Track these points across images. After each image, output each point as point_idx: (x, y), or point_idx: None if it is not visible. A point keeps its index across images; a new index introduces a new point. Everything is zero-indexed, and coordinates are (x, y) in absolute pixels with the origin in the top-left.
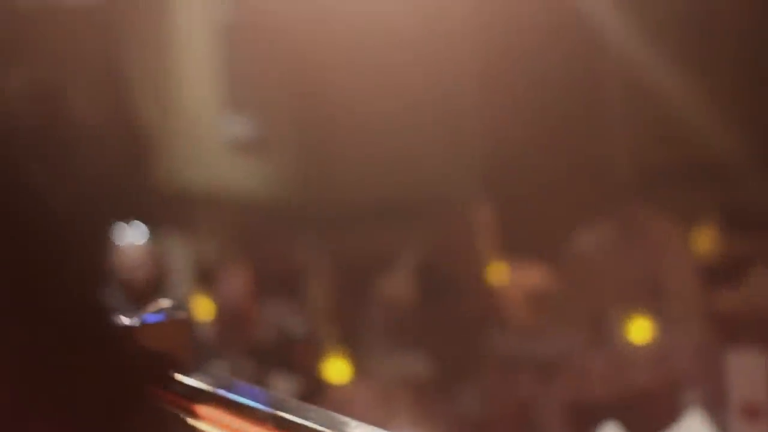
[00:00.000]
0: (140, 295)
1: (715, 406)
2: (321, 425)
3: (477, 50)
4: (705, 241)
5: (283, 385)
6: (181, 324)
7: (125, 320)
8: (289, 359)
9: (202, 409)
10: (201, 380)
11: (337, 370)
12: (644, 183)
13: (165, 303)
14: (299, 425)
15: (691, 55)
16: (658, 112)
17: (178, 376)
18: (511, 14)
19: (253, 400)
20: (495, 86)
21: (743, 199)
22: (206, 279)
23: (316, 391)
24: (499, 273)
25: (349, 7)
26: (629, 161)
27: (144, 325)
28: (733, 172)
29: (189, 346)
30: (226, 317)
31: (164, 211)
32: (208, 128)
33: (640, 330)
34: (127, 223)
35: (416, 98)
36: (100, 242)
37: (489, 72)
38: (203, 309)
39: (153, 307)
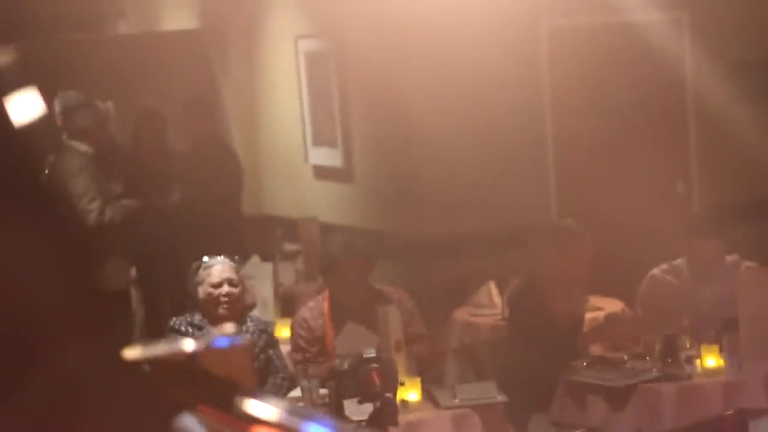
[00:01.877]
0: (222, 318)
1: None
2: None
3: (553, 84)
4: None
5: (357, 412)
6: (244, 350)
7: (193, 344)
8: (365, 386)
9: None
10: (267, 405)
11: (411, 397)
12: (720, 217)
13: (230, 329)
14: None
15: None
16: (731, 146)
17: (241, 401)
18: (581, 46)
19: (317, 426)
20: (570, 120)
21: None
22: (287, 304)
23: (389, 419)
24: (582, 302)
25: (433, 39)
26: (705, 196)
27: (209, 349)
28: None
29: (252, 371)
30: (304, 342)
31: (250, 236)
32: (295, 156)
33: (712, 363)
34: (215, 246)
35: (496, 130)
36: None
37: (564, 105)
38: (284, 333)
39: (222, 332)
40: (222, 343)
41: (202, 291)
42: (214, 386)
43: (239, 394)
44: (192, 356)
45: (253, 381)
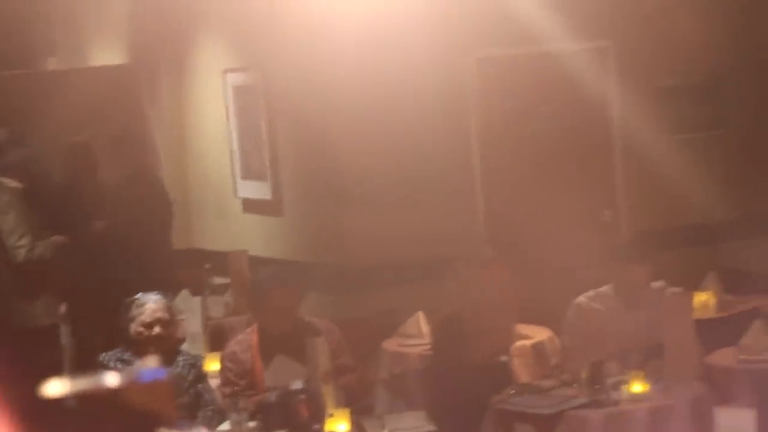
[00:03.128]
0: (151, 352)
1: None
2: None
3: (480, 113)
4: (703, 301)
5: None
6: (167, 384)
7: (116, 378)
8: (293, 418)
9: None
10: None
11: (341, 428)
12: (646, 244)
13: (154, 363)
14: None
15: (691, 117)
16: (657, 174)
17: None
18: (511, 76)
19: None
20: (497, 149)
21: (739, 261)
22: (217, 337)
23: None
24: (507, 330)
25: (360, 70)
26: (631, 223)
27: (132, 384)
28: (730, 234)
29: (174, 405)
30: (233, 375)
31: (180, 269)
32: (224, 189)
33: (638, 388)
34: (145, 280)
35: (424, 161)
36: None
37: (491, 134)
38: (213, 367)
39: (145, 366)
40: (145, 377)
41: (133, 328)
42: (136, 420)
43: (162, 427)
44: (115, 391)
45: (175, 415)
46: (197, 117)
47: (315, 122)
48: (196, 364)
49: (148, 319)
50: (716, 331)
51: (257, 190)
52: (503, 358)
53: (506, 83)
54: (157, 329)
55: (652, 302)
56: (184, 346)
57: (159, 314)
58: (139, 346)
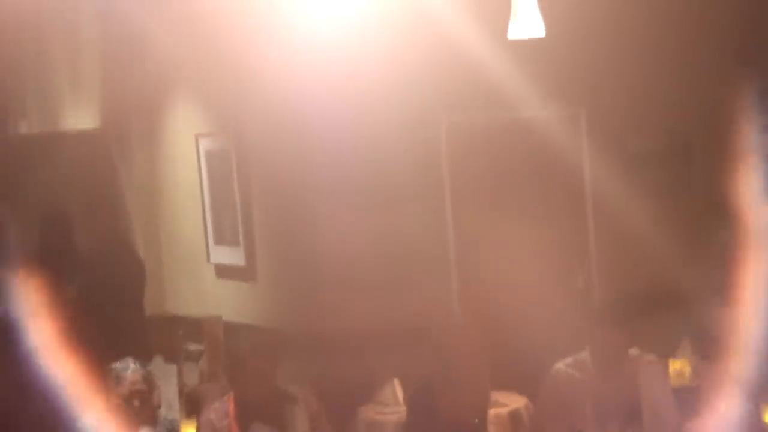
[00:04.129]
0: (130, 422)
1: None
2: None
3: (452, 177)
4: (677, 369)
5: None
6: None
7: None
8: None
9: None
10: None
11: None
12: (621, 309)
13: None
14: None
15: (662, 183)
16: (629, 238)
17: None
18: (480, 142)
19: None
20: (469, 214)
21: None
22: (192, 404)
23: None
24: (484, 399)
25: (332, 134)
26: (605, 289)
27: None
28: (704, 300)
29: None
30: None
31: (153, 336)
32: (197, 255)
33: None
34: (118, 346)
35: (397, 226)
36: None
37: (464, 198)
38: None
39: None
40: None
41: (111, 400)
42: None
43: None
44: None
45: None
46: (169, 181)
47: (288, 187)
48: (173, 430)
49: (127, 392)
50: (693, 399)
51: (230, 256)
52: (476, 420)
53: (478, 148)
54: (136, 402)
55: (628, 369)
56: (160, 412)
57: (138, 386)
58: (118, 417)
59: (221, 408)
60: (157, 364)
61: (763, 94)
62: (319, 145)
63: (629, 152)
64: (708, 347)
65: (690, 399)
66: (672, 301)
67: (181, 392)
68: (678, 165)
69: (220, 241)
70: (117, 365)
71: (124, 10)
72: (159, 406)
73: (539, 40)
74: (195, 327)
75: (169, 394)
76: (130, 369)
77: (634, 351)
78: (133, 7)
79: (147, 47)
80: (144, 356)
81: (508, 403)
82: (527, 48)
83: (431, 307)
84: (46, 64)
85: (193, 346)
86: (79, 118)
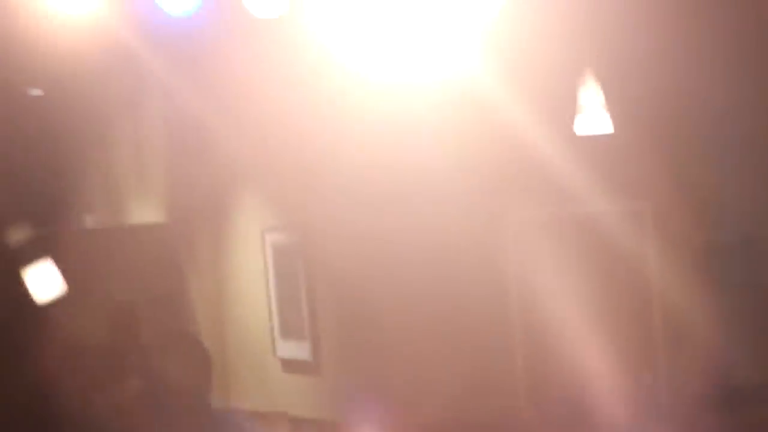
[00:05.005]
0: None
1: None
2: None
3: (517, 271)
4: None
5: None
6: None
7: None
8: None
9: None
10: None
11: None
12: (685, 408)
13: None
14: None
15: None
16: (699, 336)
17: None
18: (546, 237)
19: None
20: (535, 307)
21: None
22: None
23: None
24: None
25: (400, 230)
26: (670, 387)
27: None
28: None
29: None
30: None
31: (218, 430)
32: (263, 349)
33: None
34: None
35: (464, 320)
36: None
37: (529, 292)
38: None
39: None
40: None
41: None
42: None
43: None
44: None
45: None
46: (236, 276)
47: (354, 282)
48: None
49: None
50: None
51: (297, 350)
52: None
53: (545, 243)
54: None
55: None
56: None
57: None
58: None
59: None
60: None
61: None
62: (384, 240)
63: (695, 247)
64: None
65: None
66: (741, 398)
67: None
68: (746, 260)
69: (286, 335)
70: None
71: (190, 106)
72: None
73: (606, 135)
74: (260, 422)
75: None
76: None
77: None
78: (200, 103)
79: (213, 142)
80: None
81: None
82: (594, 143)
83: (501, 402)
84: (113, 158)
85: None
86: (146, 212)
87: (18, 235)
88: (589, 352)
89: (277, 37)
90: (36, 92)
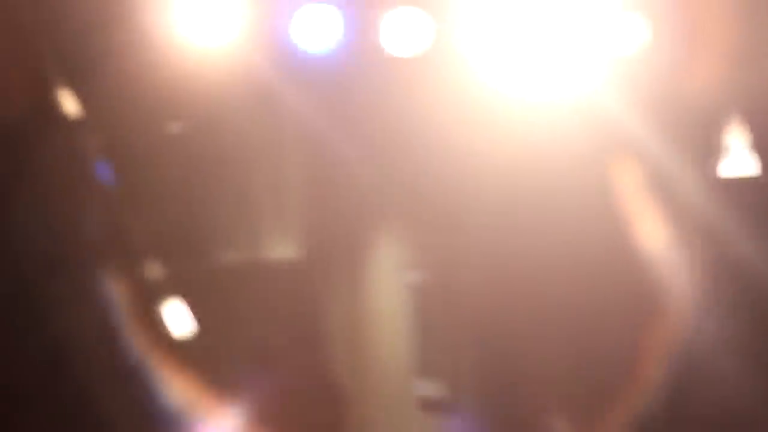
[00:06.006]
0: None
1: None
2: None
3: None
4: None
5: None
6: None
7: None
8: None
9: None
10: None
11: None
12: None
13: None
14: None
15: None
16: None
17: None
18: None
19: None
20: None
21: None
22: None
23: None
24: None
25: (539, 276)
26: None
27: None
28: None
29: None
30: None
31: None
32: (398, 388)
33: None
34: None
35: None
36: None
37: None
38: None
39: None
40: None
41: None
42: None
43: None
44: None
45: None
46: (374, 315)
47: (495, 324)
48: None
49: None
50: None
51: (434, 388)
52: None
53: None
54: None
55: None
56: None
57: None
58: None
59: None
60: None
61: None
62: (527, 278)
63: None
64: None
65: None
66: None
67: None
68: None
69: (424, 373)
70: None
71: (328, 140)
72: None
73: (751, 177)
74: None
75: None
76: None
77: None
78: (338, 136)
79: (351, 180)
80: None
81: None
82: (739, 186)
83: None
84: (249, 192)
85: None
86: (283, 247)
87: (154, 271)
88: None
89: (417, 75)
90: (176, 128)
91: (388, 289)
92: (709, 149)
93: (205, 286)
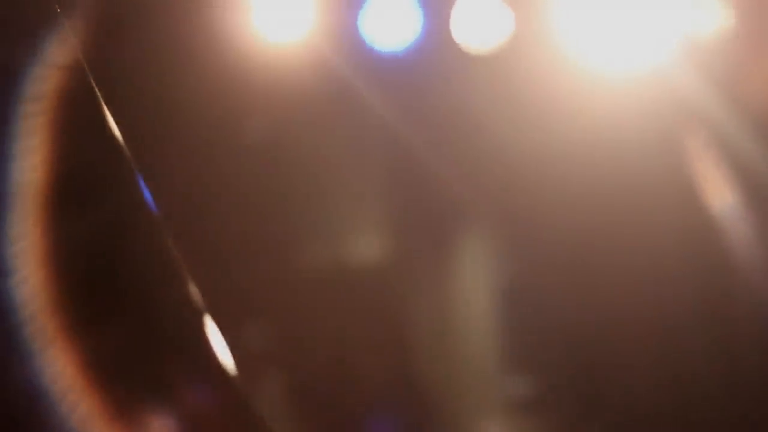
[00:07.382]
0: None
1: None
2: None
3: None
4: None
5: None
6: None
7: None
8: None
9: None
10: None
11: None
12: None
13: None
14: None
15: None
16: None
17: None
18: None
19: None
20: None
21: None
22: None
23: None
24: None
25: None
26: None
27: None
28: None
29: None
30: None
31: None
32: (488, 387)
33: None
34: None
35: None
36: None
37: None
38: None
39: None
40: None
41: None
42: None
43: None
44: None
45: None
46: (459, 314)
47: (582, 314)
48: None
49: None
50: None
51: (523, 385)
52: None
53: None
54: None
55: None
56: None
57: None
58: None
59: None
60: None
61: None
62: (609, 274)
63: None
64: None
65: None
66: None
67: None
68: None
69: (512, 369)
70: None
71: (409, 143)
72: None
73: None
74: None
75: None
76: None
77: None
78: (416, 139)
79: (432, 178)
80: None
81: None
82: None
83: None
84: (329, 194)
85: None
86: (366, 249)
87: (240, 277)
88: None
89: (492, 72)
90: (252, 129)
91: (475, 289)
92: None
93: (290, 291)
